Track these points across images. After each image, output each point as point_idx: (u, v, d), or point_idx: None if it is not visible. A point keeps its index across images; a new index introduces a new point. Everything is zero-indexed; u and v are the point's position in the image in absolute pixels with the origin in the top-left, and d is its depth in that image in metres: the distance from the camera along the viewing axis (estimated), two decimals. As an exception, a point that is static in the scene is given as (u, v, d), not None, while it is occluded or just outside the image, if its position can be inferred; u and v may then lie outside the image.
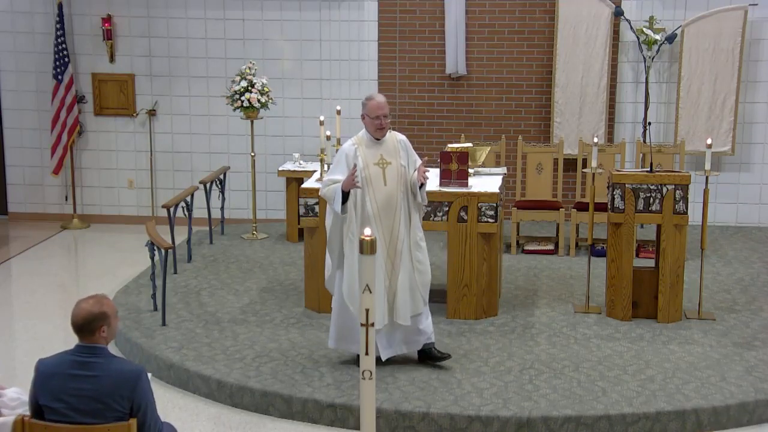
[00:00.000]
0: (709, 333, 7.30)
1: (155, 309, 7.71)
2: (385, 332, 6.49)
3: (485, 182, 7.73)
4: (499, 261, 7.88)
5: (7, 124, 11.29)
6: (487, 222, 7.44)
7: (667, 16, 10.39)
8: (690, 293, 7.98)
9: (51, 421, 4.25)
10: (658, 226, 7.48)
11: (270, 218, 11.02)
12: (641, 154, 9.72)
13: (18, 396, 4.75)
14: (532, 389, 6.28)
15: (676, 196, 7.40)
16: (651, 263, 8.19)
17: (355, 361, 6.68)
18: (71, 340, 4.42)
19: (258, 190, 10.76)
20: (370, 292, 3.52)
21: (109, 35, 10.88)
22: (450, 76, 10.74)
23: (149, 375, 4.41)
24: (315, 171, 8.74)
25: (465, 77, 10.74)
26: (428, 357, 6.64)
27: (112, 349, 7.05)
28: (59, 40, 10.69)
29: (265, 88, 9.73)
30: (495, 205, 7.42)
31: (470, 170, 7.79)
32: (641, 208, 7.46)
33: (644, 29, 10.24)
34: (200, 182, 9.76)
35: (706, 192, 7.57)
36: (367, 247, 3.52)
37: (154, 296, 7.74)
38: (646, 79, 10.42)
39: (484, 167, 8.38)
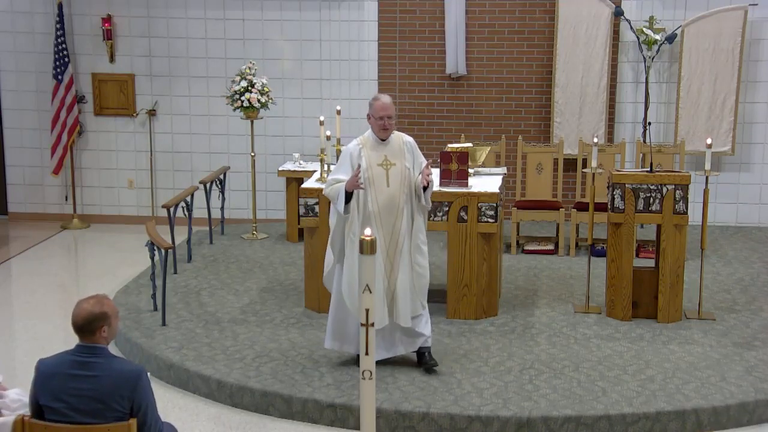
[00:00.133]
0: (709, 333, 7.30)
1: (155, 309, 7.71)
2: (382, 334, 6.47)
3: (485, 182, 7.73)
4: (499, 261, 7.88)
5: (7, 124, 11.29)
6: (487, 222, 7.44)
7: (667, 16, 10.39)
8: (690, 293, 7.98)
9: (51, 421, 4.25)
10: (658, 226, 7.49)
11: (270, 218, 11.02)
12: (641, 154, 9.72)
13: (19, 398, 4.75)
14: (532, 389, 6.28)
15: (676, 196, 7.40)
16: (651, 263, 8.19)
17: (355, 361, 6.68)
18: (71, 340, 4.43)
19: (258, 190, 10.77)
20: (370, 292, 3.53)
21: (109, 35, 10.88)
22: (450, 76, 10.74)
23: (149, 375, 4.42)
24: (315, 171, 8.74)
25: (465, 77, 10.75)
26: (419, 359, 6.63)
27: (112, 349, 7.05)
28: (59, 40, 10.69)
29: (265, 88, 9.73)
30: (495, 205, 7.42)
31: (470, 170, 7.79)
32: (641, 208, 7.46)
33: (644, 29, 10.24)
34: (200, 182, 9.76)
35: (706, 192, 7.57)
36: (367, 247, 3.52)
37: (154, 296, 7.74)
38: (646, 79, 10.42)
39: (484, 167, 8.38)
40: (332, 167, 8.14)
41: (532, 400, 6.12)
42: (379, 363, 6.34)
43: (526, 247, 9.57)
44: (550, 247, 9.55)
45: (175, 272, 8.76)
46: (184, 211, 9.09)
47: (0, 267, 9.64)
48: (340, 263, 6.48)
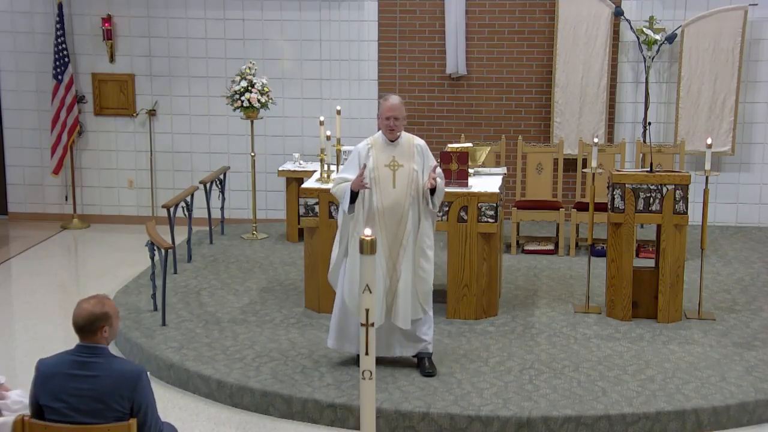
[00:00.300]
0: (709, 333, 7.30)
1: (155, 309, 7.71)
2: (378, 333, 6.45)
3: (485, 182, 7.73)
4: (499, 261, 7.88)
5: (7, 124, 11.29)
6: (487, 222, 7.44)
7: (667, 16, 10.39)
8: (690, 293, 7.98)
9: (51, 421, 4.26)
10: (658, 226, 7.49)
11: (270, 218, 11.02)
12: (641, 154, 9.72)
13: (21, 399, 4.75)
14: (532, 389, 6.28)
15: (676, 196, 7.40)
16: (651, 263, 8.19)
17: (355, 361, 6.68)
18: (71, 340, 4.43)
19: (258, 190, 10.77)
20: (370, 292, 3.53)
21: (109, 35, 10.88)
22: (450, 76, 10.74)
23: (149, 375, 4.42)
24: (315, 171, 8.74)
25: (465, 77, 10.74)
26: (419, 365, 6.61)
27: (113, 349, 7.04)
28: (59, 40, 10.69)
29: (265, 88, 9.73)
30: (495, 205, 7.42)
31: (470, 170, 7.79)
32: (641, 208, 7.46)
33: (644, 29, 10.24)
34: (200, 182, 9.76)
35: (706, 192, 7.58)
36: (367, 247, 3.52)
37: (154, 296, 7.74)
38: (646, 79, 10.42)
39: (484, 167, 8.38)
40: (332, 167, 8.16)
41: (532, 400, 6.12)
42: (379, 363, 6.34)
43: (526, 247, 9.57)
44: (550, 247, 9.55)
45: (175, 272, 8.76)
46: (184, 211, 9.09)
47: (0, 267, 9.64)
48: (347, 257, 6.46)
